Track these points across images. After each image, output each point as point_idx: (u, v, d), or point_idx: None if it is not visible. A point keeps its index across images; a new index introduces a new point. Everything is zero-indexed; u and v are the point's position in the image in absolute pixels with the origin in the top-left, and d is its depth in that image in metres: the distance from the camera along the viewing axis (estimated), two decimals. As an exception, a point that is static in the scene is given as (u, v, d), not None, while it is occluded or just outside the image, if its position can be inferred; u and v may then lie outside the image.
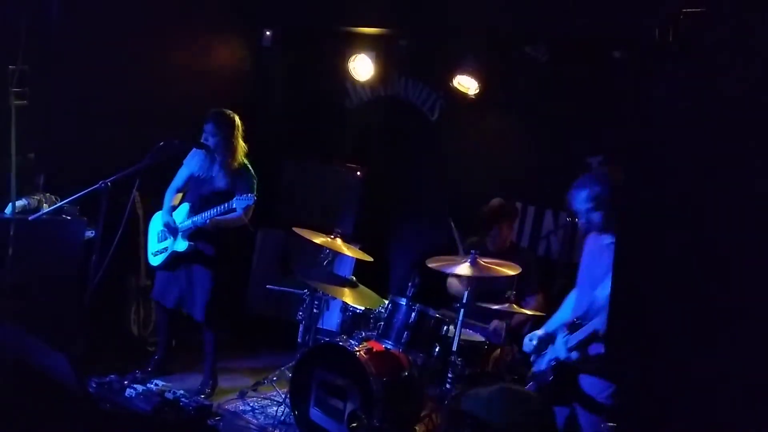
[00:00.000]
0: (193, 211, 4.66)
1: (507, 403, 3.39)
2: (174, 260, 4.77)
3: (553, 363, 3.30)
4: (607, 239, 3.28)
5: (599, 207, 3.22)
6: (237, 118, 4.72)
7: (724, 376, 1.89)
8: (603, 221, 3.25)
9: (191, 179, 4.83)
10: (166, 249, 4.78)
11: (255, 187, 4.70)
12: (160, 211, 4.89)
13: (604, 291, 3.10)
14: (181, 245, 4.68)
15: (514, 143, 5.59)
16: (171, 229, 4.73)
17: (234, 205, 4.45)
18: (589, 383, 3.20)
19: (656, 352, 2.00)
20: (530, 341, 3.52)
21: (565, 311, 3.59)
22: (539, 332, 3.52)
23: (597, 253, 3.37)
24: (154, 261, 4.88)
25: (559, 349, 3.30)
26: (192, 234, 4.67)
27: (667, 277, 1.97)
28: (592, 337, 3.14)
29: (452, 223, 4.87)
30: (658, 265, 2.01)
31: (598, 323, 3.12)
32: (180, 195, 4.91)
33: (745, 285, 1.84)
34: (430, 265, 4.18)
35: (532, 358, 3.54)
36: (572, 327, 3.27)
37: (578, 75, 5.03)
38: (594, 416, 3.14)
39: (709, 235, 1.90)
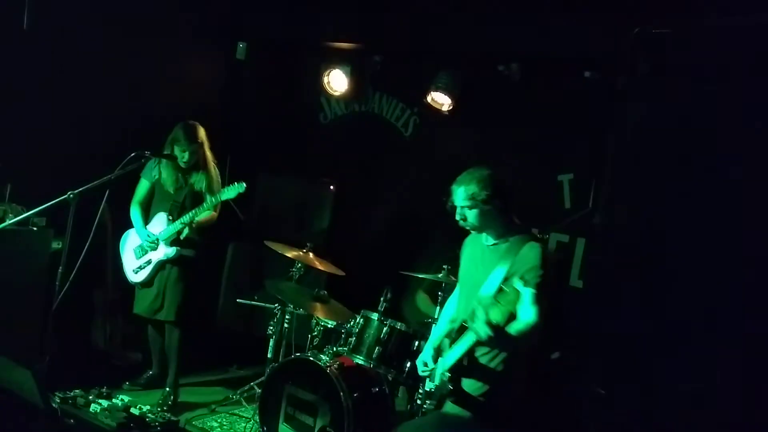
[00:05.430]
0: (172, 219, 4.68)
1: (441, 428, 3.28)
2: (158, 271, 4.76)
3: (447, 374, 3.18)
4: (489, 240, 3.27)
5: (474, 206, 3.21)
6: (202, 128, 4.75)
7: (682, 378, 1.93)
8: (477, 220, 3.24)
9: (156, 190, 4.83)
10: (150, 261, 4.75)
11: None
12: (131, 230, 4.88)
13: (486, 291, 3.08)
14: (169, 252, 4.69)
15: (487, 160, 5.61)
16: (151, 242, 4.71)
17: (222, 197, 4.56)
18: (468, 383, 3.18)
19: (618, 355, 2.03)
20: (425, 367, 3.32)
21: (444, 322, 3.55)
22: (427, 354, 3.34)
23: (478, 255, 3.33)
24: (137, 278, 4.82)
25: (447, 358, 3.18)
26: (174, 240, 4.69)
27: (636, 283, 2.01)
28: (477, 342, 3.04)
29: None
30: (627, 275, 2.05)
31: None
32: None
33: (705, 292, 1.88)
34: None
35: (427, 386, 3.35)
36: (459, 330, 3.16)
37: (550, 94, 5.10)
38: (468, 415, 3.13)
39: (677, 247, 1.94)
